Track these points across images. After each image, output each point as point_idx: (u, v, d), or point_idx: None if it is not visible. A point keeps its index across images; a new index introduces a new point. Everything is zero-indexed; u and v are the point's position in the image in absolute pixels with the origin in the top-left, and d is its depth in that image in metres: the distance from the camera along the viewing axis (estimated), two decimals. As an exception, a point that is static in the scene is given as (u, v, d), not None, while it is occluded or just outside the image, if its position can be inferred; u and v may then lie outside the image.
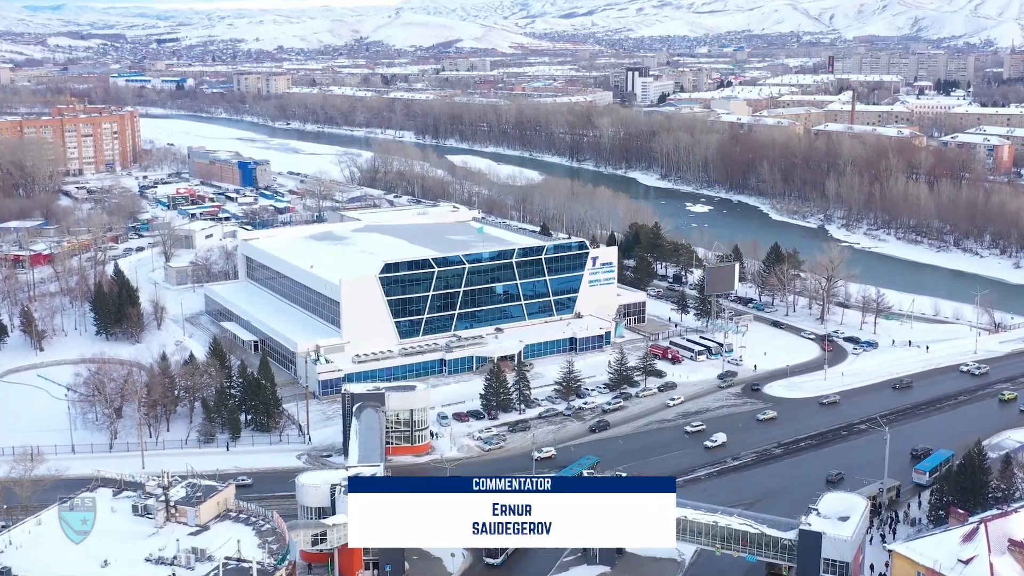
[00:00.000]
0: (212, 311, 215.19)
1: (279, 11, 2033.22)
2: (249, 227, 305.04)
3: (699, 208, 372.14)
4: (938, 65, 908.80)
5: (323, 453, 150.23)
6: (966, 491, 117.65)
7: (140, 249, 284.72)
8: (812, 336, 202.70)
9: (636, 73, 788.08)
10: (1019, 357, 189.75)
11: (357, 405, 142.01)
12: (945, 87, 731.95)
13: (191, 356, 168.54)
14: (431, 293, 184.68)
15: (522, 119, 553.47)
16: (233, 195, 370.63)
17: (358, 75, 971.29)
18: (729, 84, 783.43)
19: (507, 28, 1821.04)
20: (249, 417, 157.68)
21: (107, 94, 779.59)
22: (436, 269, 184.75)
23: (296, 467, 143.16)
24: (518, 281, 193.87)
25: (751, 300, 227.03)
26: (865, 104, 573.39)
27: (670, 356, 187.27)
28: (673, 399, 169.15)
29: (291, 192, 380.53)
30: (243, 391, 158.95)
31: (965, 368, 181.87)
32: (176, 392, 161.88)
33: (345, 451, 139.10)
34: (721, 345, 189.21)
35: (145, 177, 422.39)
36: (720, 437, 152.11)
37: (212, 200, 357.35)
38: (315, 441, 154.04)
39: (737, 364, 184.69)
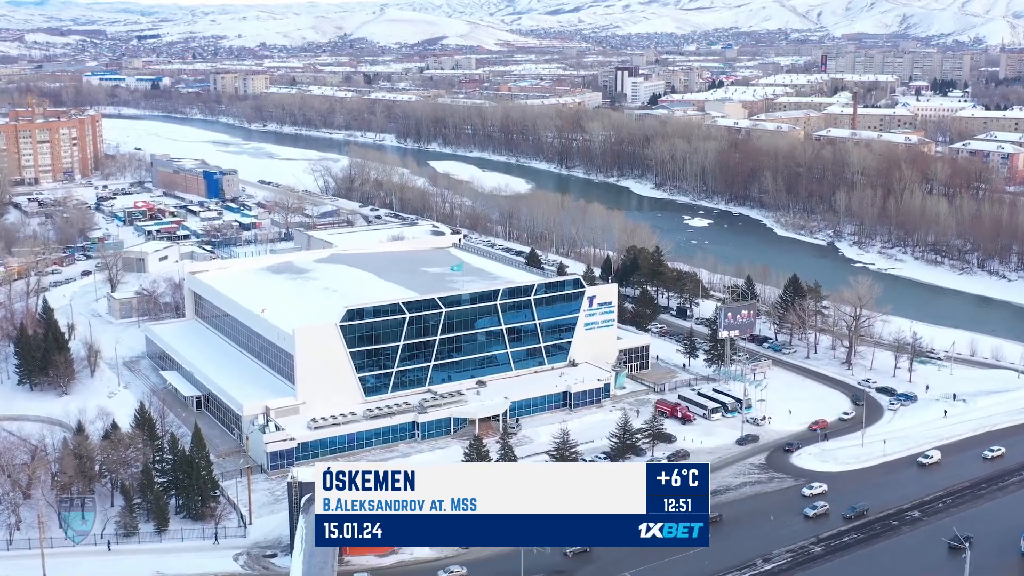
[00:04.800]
0: (154, 355, 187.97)
1: (263, 7, 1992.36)
2: (209, 247, 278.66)
3: (698, 222, 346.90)
4: (933, 64, 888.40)
5: (266, 552, 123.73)
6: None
7: (87, 273, 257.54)
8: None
9: (626, 73, 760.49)
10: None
11: (306, 498, 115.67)
12: (942, 87, 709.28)
13: (113, 425, 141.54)
14: (401, 343, 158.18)
15: (508, 122, 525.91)
16: (196, 208, 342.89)
17: (340, 73, 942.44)
18: (721, 84, 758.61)
19: (493, 25, 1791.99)
20: (180, 502, 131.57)
21: (79, 93, 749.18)
22: (408, 315, 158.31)
23: (231, 573, 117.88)
24: (503, 326, 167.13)
25: (767, 339, 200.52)
26: (862, 105, 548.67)
27: (679, 414, 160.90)
28: None
29: (259, 205, 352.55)
30: (173, 469, 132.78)
31: None
32: (97, 468, 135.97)
33: (291, 550, 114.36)
34: (739, 400, 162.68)
35: (105, 187, 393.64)
36: None
37: (173, 215, 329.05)
38: (258, 534, 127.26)
39: (758, 424, 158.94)
